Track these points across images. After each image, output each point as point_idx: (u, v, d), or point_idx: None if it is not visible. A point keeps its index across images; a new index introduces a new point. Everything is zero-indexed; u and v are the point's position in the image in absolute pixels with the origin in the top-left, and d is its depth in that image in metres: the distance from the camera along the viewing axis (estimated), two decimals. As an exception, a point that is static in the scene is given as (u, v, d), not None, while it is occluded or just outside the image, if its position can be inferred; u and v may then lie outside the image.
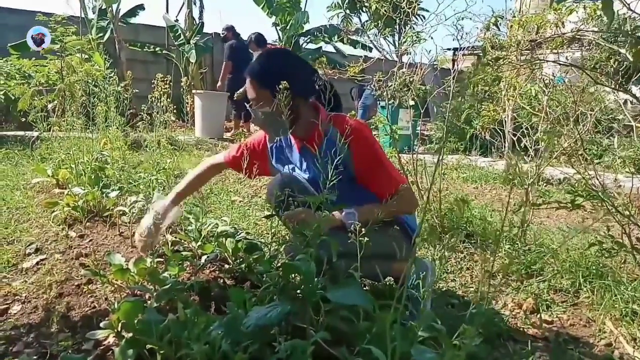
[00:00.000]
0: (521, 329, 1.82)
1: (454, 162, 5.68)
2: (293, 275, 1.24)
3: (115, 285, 1.66)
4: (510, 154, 4.31)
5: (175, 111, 4.16)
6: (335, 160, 1.32)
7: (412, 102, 3.14)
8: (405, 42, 2.42)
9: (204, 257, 1.70)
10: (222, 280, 1.69)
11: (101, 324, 1.24)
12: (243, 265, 1.69)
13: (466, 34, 2.10)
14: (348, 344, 1.20)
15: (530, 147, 2.75)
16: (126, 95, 6.11)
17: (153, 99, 2.72)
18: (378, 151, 1.66)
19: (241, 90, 6.85)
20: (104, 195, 2.41)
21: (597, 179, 1.80)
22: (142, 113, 2.81)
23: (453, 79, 2.18)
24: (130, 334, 1.22)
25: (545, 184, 4.39)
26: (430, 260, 1.86)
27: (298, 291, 1.23)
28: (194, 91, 8.08)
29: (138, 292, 1.54)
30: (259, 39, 7.15)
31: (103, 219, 2.36)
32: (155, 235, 1.79)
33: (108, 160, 2.98)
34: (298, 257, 1.19)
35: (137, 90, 7.55)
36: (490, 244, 2.60)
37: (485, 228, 2.75)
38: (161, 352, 1.13)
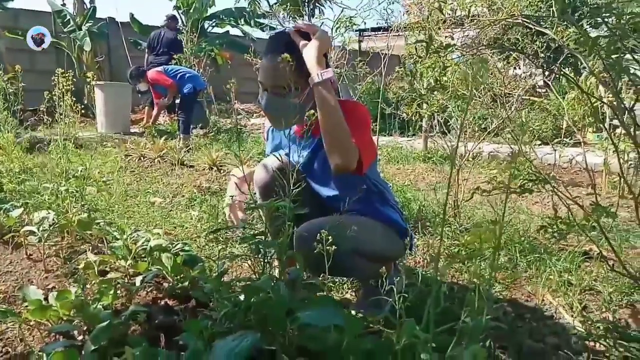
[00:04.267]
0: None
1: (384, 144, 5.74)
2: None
3: (33, 322, 1.41)
4: (429, 134, 4.44)
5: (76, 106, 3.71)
6: None
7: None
8: (337, 27, 2.33)
9: (138, 278, 1.50)
10: (163, 302, 1.50)
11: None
12: (186, 283, 1.51)
13: (394, 16, 2.05)
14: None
15: (456, 127, 2.81)
16: (11, 90, 5.39)
17: (53, 96, 2.37)
18: (363, 122, 1.49)
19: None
20: (3, 213, 2.06)
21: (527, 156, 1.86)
22: (37, 110, 2.45)
23: (384, 66, 2.13)
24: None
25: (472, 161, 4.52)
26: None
27: (263, 312, 1.10)
28: (94, 82, 7.36)
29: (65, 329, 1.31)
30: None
31: (4, 241, 2.02)
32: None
33: (2, 170, 2.56)
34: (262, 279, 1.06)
35: (23, 84, 6.72)
36: (428, 226, 2.63)
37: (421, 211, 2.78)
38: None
